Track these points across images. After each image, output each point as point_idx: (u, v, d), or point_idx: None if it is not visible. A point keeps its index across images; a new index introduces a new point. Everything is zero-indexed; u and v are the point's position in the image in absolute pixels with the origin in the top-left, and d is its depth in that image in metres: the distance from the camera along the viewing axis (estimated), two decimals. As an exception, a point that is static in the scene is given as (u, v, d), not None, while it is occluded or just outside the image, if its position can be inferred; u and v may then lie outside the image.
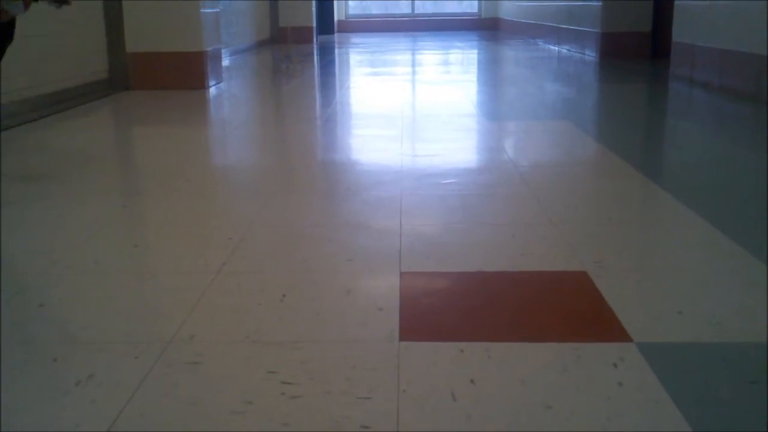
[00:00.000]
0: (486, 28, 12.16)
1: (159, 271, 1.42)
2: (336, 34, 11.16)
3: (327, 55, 7.30)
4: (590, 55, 6.33)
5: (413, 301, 1.24)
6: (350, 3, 12.94)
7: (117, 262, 1.46)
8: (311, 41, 9.23)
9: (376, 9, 13.13)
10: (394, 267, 1.40)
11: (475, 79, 5.30)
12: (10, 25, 2.14)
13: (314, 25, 9.51)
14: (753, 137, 2.81)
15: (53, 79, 3.58)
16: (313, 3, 9.50)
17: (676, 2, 4.60)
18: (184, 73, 4.26)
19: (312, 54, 7.36)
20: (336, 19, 11.58)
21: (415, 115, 3.38)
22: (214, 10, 4.49)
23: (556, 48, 7.40)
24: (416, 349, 1.06)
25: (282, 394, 0.94)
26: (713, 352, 1.05)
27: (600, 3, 6.08)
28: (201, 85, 4.29)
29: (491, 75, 5.55)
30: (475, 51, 7.77)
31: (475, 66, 6.29)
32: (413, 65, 6.51)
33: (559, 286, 1.30)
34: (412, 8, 12.97)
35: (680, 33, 4.54)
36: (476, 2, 12.73)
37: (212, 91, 4.28)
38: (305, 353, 1.05)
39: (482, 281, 1.33)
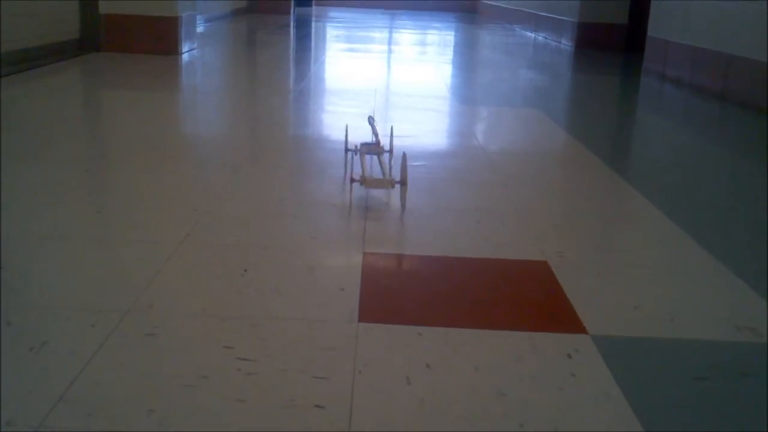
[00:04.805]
0: (465, 11, 12.13)
1: (121, 238, 1.40)
2: (314, 7, 11.05)
3: (303, 28, 7.23)
4: (566, 44, 6.35)
5: (374, 282, 1.24)
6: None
7: (78, 228, 1.44)
8: (288, 13, 9.12)
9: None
10: (358, 247, 1.40)
11: (449, 61, 5.30)
12: None
13: (292, -4, 9.41)
14: (719, 136, 2.85)
15: (22, 36, 3.50)
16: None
17: (653, -3, 4.63)
18: (157, 38, 4.20)
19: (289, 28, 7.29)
20: (315, -9, 11.46)
21: (388, 94, 3.37)
22: (191, -25, 4.43)
23: (533, 35, 7.41)
24: (375, 330, 1.07)
25: (238, 369, 0.94)
26: (665, 347, 1.07)
27: (578, -7, 6.10)
28: (174, 51, 4.23)
29: (466, 58, 5.55)
30: (452, 33, 7.75)
31: (451, 48, 6.28)
32: (389, 43, 6.48)
33: (520, 275, 1.32)
34: (392, -15, 12.89)
35: (655, 28, 4.58)
36: (456, -17, 12.68)
37: (185, 57, 4.22)
38: (263, 330, 1.05)
39: (444, 266, 1.34)
